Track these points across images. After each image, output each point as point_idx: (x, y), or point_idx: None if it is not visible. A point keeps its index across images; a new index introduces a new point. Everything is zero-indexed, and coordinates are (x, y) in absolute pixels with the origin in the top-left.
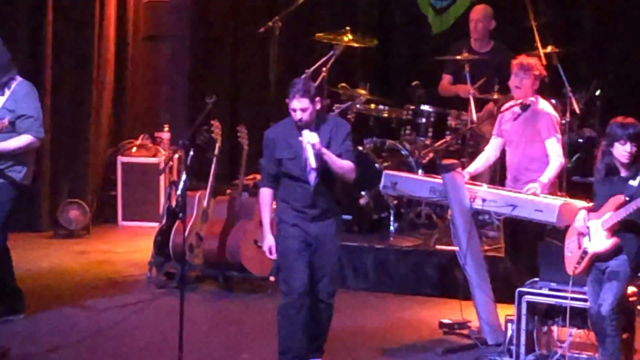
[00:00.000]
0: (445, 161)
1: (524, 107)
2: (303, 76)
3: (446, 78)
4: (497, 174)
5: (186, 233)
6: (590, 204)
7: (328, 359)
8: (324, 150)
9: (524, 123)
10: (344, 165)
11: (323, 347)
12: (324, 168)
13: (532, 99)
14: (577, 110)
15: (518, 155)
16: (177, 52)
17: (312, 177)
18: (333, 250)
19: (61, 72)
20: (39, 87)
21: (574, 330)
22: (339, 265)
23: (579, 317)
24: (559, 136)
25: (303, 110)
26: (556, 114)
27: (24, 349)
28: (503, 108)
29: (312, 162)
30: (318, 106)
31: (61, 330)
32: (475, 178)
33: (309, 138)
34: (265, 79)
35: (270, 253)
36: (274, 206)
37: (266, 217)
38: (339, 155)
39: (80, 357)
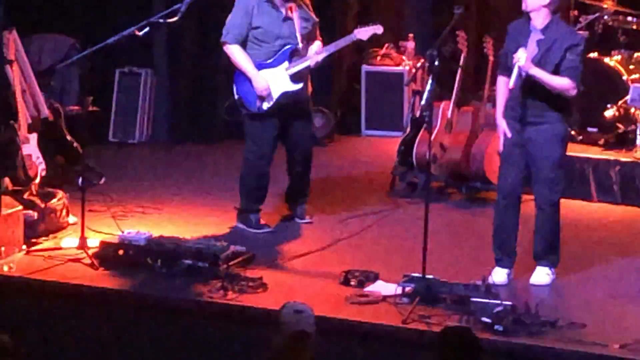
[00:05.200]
0: None
1: None
2: None
3: None
4: None
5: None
6: None
7: (565, 269)
8: (532, 71)
9: None
10: (556, 83)
11: (554, 257)
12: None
13: None
14: None
15: None
16: None
17: (514, 77)
18: (549, 158)
19: None
20: None
21: None
22: (560, 175)
23: None
24: None
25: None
26: None
27: (267, 256)
28: None
29: (511, 82)
30: (551, 7)
31: (300, 237)
32: None
33: (519, 57)
34: None
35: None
36: None
37: (499, 105)
38: (557, 69)
39: (320, 265)
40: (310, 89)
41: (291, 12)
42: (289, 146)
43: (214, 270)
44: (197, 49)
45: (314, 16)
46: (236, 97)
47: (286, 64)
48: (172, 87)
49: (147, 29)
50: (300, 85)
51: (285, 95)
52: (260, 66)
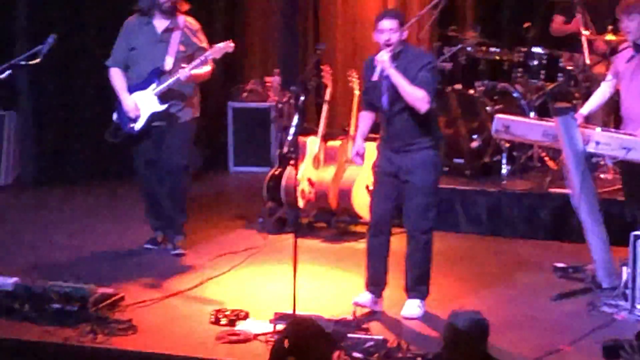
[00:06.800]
0: (559, 104)
1: (638, 48)
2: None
3: (558, 19)
4: (610, 117)
5: (298, 178)
6: None
7: (435, 301)
8: (391, 71)
9: (637, 65)
10: (411, 91)
11: (424, 289)
12: (396, 95)
13: None
14: None
15: (630, 97)
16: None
17: (385, 102)
18: (419, 185)
19: None
20: None
21: None
22: (432, 202)
23: None
24: None
25: (392, 30)
26: None
27: (137, 297)
28: (619, 49)
29: (375, 75)
30: (404, 36)
31: (170, 275)
32: (588, 120)
33: (380, 55)
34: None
35: (358, 156)
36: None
37: (359, 130)
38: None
39: (190, 304)
40: (194, 114)
41: (170, 33)
42: (160, 167)
43: (82, 314)
44: (61, 90)
45: (199, 42)
46: (115, 119)
47: (154, 85)
48: (37, 128)
49: (8, 72)
50: (166, 106)
51: (154, 115)
52: (133, 89)
